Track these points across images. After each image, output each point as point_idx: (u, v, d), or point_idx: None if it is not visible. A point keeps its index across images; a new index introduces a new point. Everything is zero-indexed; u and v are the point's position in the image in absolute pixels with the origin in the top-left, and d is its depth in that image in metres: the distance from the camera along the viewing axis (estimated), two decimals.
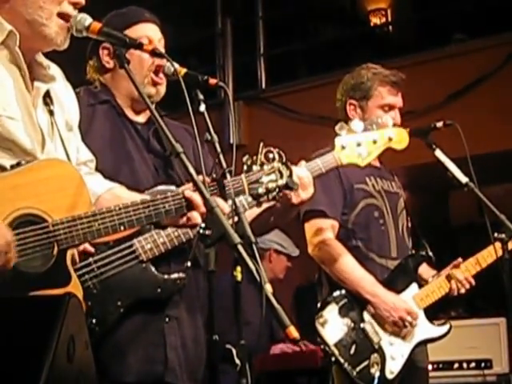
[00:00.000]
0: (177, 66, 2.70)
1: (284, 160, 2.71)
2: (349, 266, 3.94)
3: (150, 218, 2.50)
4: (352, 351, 3.84)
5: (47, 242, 2.33)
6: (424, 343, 4.12)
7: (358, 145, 3.16)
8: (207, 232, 2.29)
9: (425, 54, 7.23)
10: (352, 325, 3.90)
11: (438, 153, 4.05)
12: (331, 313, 3.88)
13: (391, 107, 4.15)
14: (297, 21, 9.18)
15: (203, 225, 2.41)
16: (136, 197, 2.64)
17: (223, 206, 2.54)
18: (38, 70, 2.55)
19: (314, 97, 7.51)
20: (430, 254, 4.17)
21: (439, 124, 4.08)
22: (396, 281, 4.06)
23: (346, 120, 3.81)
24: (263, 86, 8.13)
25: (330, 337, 3.78)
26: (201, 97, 2.73)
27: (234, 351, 2.55)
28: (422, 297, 4.10)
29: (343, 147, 3.14)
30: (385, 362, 3.89)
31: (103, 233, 2.43)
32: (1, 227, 2.21)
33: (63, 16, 2.46)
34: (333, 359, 3.82)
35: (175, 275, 2.96)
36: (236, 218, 2.39)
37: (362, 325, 3.93)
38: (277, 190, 2.70)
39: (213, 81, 2.83)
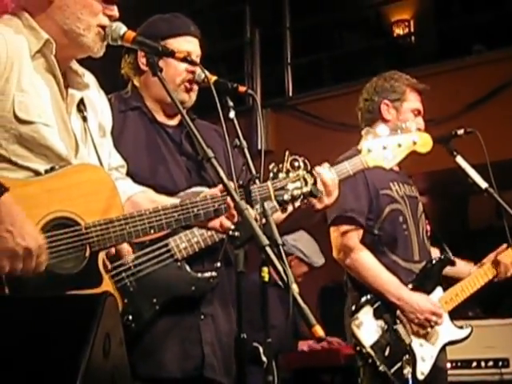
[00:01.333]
0: (208, 73, 2.70)
1: (309, 168, 2.69)
2: (375, 270, 3.91)
3: (179, 222, 2.51)
4: (387, 353, 3.82)
5: (80, 245, 2.34)
6: (448, 345, 4.09)
7: (384, 148, 3.14)
8: (236, 234, 2.29)
9: (445, 64, 7.21)
10: (386, 327, 3.88)
11: (459, 159, 4.04)
12: (366, 315, 3.86)
13: (419, 112, 4.16)
14: (323, 31, 9.18)
15: (233, 227, 2.40)
16: (166, 200, 2.65)
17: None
18: (72, 78, 2.56)
19: (339, 104, 7.48)
20: (452, 257, 4.12)
21: (460, 131, 4.07)
22: (422, 284, 4.01)
23: (375, 119, 4.08)
24: (290, 93, 8.12)
25: (365, 339, 3.76)
26: (230, 103, 2.72)
27: (261, 349, 2.54)
28: (447, 300, 4.07)
29: (369, 150, 3.11)
30: (416, 363, 3.87)
31: (134, 236, 2.43)
32: (33, 231, 2.21)
33: (101, 27, 2.46)
34: (369, 361, 3.79)
35: (208, 274, 2.96)
36: (264, 221, 2.38)
37: (395, 326, 3.89)
38: (301, 197, 2.68)
39: (242, 88, 2.83)
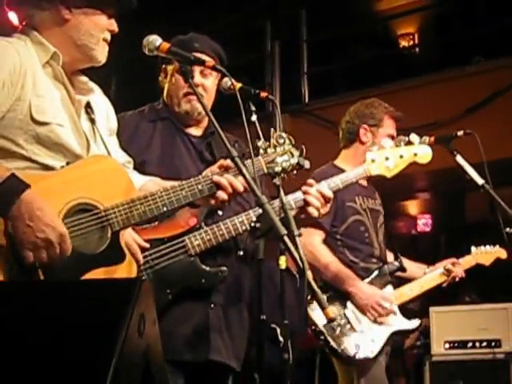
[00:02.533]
0: (233, 81, 2.69)
1: (293, 142, 2.71)
2: (333, 264, 4.04)
3: (187, 198, 2.57)
4: (337, 332, 3.93)
5: (101, 226, 2.38)
6: (398, 334, 4.21)
7: (387, 159, 3.21)
8: (257, 225, 2.28)
9: (447, 73, 7.17)
10: (337, 311, 3.98)
11: (459, 158, 4.02)
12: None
13: (393, 137, 4.22)
14: (336, 44, 9.17)
15: (254, 219, 2.40)
16: (173, 183, 2.67)
17: (243, 182, 2.57)
18: (78, 85, 2.60)
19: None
20: (404, 265, 4.29)
21: (460, 133, 4.05)
22: (375, 281, 4.16)
23: (354, 140, 4.28)
24: (306, 100, 8.11)
25: (319, 320, 3.82)
26: (253, 108, 2.71)
27: (278, 330, 2.53)
28: (397, 296, 4.21)
29: (373, 160, 3.19)
30: (366, 344, 3.96)
31: (149, 214, 2.48)
32: (53, 222, 2.23)
33: (106, 40, 2.55)
34: (322, 338, 3.91)
35: (217, 268, 2.95)
36: (282, 214, 2.38)
37: (345, 311, 4.01)
38: (290, 167, 2.73)
39: (264, 94, 2.82)
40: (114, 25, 2.57)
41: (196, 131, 3.26)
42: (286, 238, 2.17)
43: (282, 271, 2.57)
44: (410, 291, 4.29)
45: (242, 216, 2.95)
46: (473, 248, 4.60)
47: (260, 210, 2.33)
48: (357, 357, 3.91)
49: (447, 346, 5.85)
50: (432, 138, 4.18)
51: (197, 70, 3.08)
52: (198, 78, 3.11)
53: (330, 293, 4.03)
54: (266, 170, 2.71)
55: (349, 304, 4.03)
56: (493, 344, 5.75)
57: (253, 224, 2.55)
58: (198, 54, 3.14)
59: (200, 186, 2.61)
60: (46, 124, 2.38)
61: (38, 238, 2.19)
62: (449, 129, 4.43)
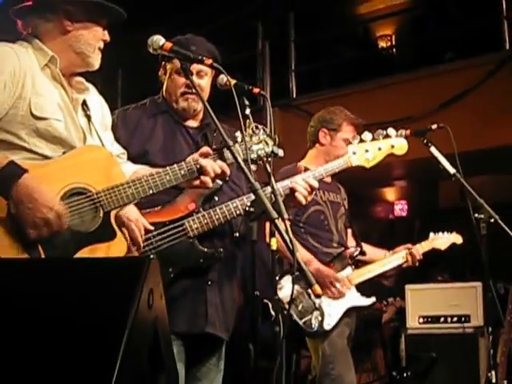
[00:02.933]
0: (229, 78, 2.70)
1: (268, 133, 2.75)
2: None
3: (170, 182, 2.63)
4: (300, 308, 4.02)
5: (94, 207, 2.45)
6: (355, 309, 4.24)
7: (366, 151, 3.26)
8: (252, 209, 2.31)
9: (422, 71, 7.17)
10: (300, 290, 4.03)
11: (433, 149, 4.04)
12: (286, 281, 4.02)
13: (349, 142, 4.24)
14: (321, 44, 9.16)
15: (248, 204, 2.42)
16: (159, 169, 2.71)
17: (221, 165, 2.72)
18: (75, 85, 2.66)
19: (334, 104, 7.44)
20: (363, 249, 4.40)
21: (434, 126, 4.08)
22: (336, 263, 4.22)
23: (315, 141, 4.34)
24: (294, 95, 8.10)
25: (284, 297, 3.84)
26: (247, 102, 2.72)
27: (270, 305, 2.55)
28: (354, 277, 4.25)
29: (354, 153, 3.26)
30: (323, 318, 4.03)
31: (136, 196, 2.54)
32: (49, 202, 2.32)
33: (100, 49, 2.64)
34: (285, 312, 3.92)
35: (214, 250, 2.99)
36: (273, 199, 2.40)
37: (307, 291, 4.03)
38: (265, 155, 2.76)
39: (256, 90, 2.82)
40: (106, 35, 2.66)
41: (193, 123, 3.28)
42: (277, 222, 2.19)
43: (272, 251, 2.59)
44: (368, 272, 4.34)
45: (236, 201, 2.98)
46: (431, 234, 4.63)
47: (253, 196, 2.37)
48: (315, 329, 4.00)
49: (421, 320, 5.89)
50: (408, 131, 4.19)
51: (194, 71, 3.10)
52: (194, 79, 3.12)
53: (297, 273, 4.09)
54: (242, 157, 2.74)
55: None
56: (462, 319, 5.79)
57: (247, 208, 2.57)
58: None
59: (182, 171, 2.66)
60: (45, 119, 2.46)
61: (37, 218, 2.29)
62: (423, 123, 4.45)
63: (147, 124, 3.20)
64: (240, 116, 2.58)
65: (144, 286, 1.60)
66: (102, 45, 2.65)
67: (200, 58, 2.62)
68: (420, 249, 4.48)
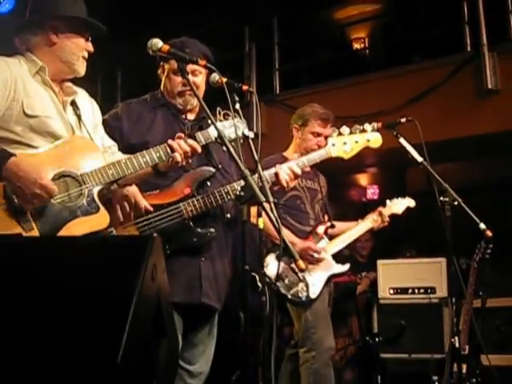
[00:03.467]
0: (221, 76, 2.70)
1: (238, 118, 2.74)
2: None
3: (147, 163, 2.66)
4: (286, 282, 4.03)
5: (79, 187, 2.52)
6: (334, 276, 4.30)
7: (344, 143, 3.28)
8: (242, 193, 2.32)
9: (392, 71, 7.18)
10: (285, 266, 4.05)
11: (402, 140, 4.05)
12: (271, 258, 4.04)
13: (318, 134, 4.25)
14: (302, 46, 9.14)
15: (239, 188, 2.43)
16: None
17: (190, 143, 2.75)
18: (65, 89, 2.74)
19: (314, 100, 7.41)
20: (333, 223, 4.43)
21: (403, 120, 4.08)
22: (313, 238, 4.27)
23: (292, 136, 4.43)
24: (278, 91, 8.08)
25: (271, 273, 3.90)
26: (237, 98, 2.73)
27: (257, 278, 2.57)
28: (329, 248, 4.30)
29: (333, 145, 3.28)
30: (308, 287, 4.05)
31: (116, 175, 2.59)
32: (35, 178, 2.38)
33: (84, 58, 2.72)
34: (273, 287, 3.96)
35: (206, 230, 3.02)
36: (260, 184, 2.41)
37: (291, 265, 4.03)
38: (238, 138, 2.75)
39: (245, 87, 2.83)
40: (90, 46, 2.74)
41: (190, 116, 3.29)
42: (264, 204, 2.21)
43: (260, 230, 2.60)
44: (342, 241, 4.39)
45: (227, 187, 3.00)
46: (387, 201, 4.68)
47: (242, 183, 2.38)
48: (303, 299, 4.02)
49: (391, 291, 5.92)
50: (380, 124, 4.20)
51: (189, 71, 3.09)
52: (190, 77, 3.12)
53: (278, 251, 4.06)
54: (214, 140, 2.78)
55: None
56: (429, 291, 5.82)
57: (238, 193, 2.58)
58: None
59: (158, 154, 2.68)
60: (36, 117, 2.55)
61: (26, 193, 2.37)
62: (393, 116, 4.47)
63: (148, 116, 3.21)
64: (231, 110, 2.60)
65: (148, 260, 1.61)
66: (85, 54, 2.73)
67: (195, 59, 2.63)
68: (385, 213, 4.52)
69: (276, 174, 3.05)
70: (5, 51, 2.67)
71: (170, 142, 2.71)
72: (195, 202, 2.99)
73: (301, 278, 4.04)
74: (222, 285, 3.17)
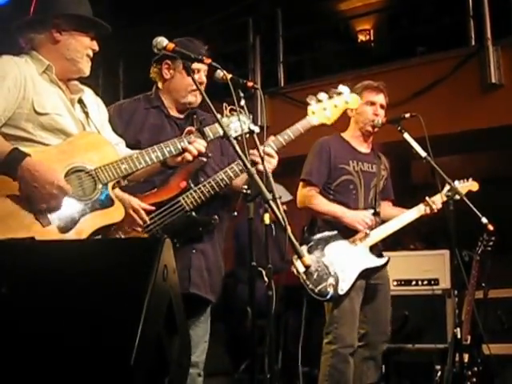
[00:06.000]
0: (225, 72, 2.72)
1: (244, 113, 2.76)
2: (325, 203, 4.11)
3: (158, 158, 2.70)
4: (315, 276, 3.94)
5: (93, 181, 2.56)
6: (371, 270, 4.17)
7: (324, 109, 3.24)
8: (248, 191, 2.35)
9: (397, 63, 7.17)
10: (315, 259, 3.99)
11: (406, 135, 4.08)
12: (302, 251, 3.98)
13: (373, 103, 4.23)
14: (306, 38, 9.13)
15: (246, 186, 2.46)
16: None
17: (201, 143, 2.79)
18: (72, 87, 2.76)
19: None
20: (378, 211, 4.25)
21: (407, 115, 4.11)
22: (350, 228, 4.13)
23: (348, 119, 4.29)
24: (282, 84, 8.08)
25: (300, 267, 3.80)
26: (242, 94, 2.75)
27: (264, 272, 2.60)
28: (368, 240, 4.15)
29: (313, 112, 3.24)
30: (337, 283, 3.96)
31: (129, 170, 2.63)
32: (51, 178, 2.43)
33: (89, 56, 2.72)
34: (301, 281, 3.94)
35: (210, 217, 3.09)
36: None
37: (322, 259, 4.01)
38: (243, 132, 2.78)
39: (250, 84, 2.84)
40: (94, 45, 2.74)
41: (180, 114, 3.35)
42: (271, 202, 2.24)
43: (266, 226, 2.63)
44: (382, 232, 4.22)
45: (221, 174, 3.08)
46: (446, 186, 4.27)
47: (235, 167, 2.39)
48: (329, 296, 3.95)
49: (395, 283, 5.93)
50: (385, 119, 4.26)
51: (195, 70, 3.15)
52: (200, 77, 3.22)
53: (312, 243, 4.06)
54: (221, 134, 2.79)
55: (326, 251, 4.04)
56: (432, 282, 5.83)
57: (244, 191, 2.61)
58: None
59: (168, 149, 2.72)
60: (47, 114, 2.57)
61: (43, 194, 2.40)
62: (398, 110, 4.47)
63: (140, 116, 3.27)
64: (236, 105, 2.63)
65: (159, 261, 1.64)
66: (90, 53, 2.73)
67: (200, 57, 2.65)
68: (436, 200, 4.20)
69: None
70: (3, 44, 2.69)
71: (183, 145, 2.75)
72: (193, 193, 3.04)
73: (331, 272, 3.97)
74: (216, 277, 3.23)
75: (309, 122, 3.24)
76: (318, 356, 4.11)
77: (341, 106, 3.31)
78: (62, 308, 1.62)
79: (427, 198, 4.24)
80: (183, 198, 3.03)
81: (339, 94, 3.33)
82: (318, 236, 4.09)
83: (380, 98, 4.26)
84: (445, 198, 4.10)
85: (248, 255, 2.45)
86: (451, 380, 4.75)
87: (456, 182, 4.24)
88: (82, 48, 2.69)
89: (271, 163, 3.07)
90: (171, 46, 2.59)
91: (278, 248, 5.14)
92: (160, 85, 3.34)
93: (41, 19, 2.67)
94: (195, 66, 3.12)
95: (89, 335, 1.56)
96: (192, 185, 3.06)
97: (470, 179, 4.38)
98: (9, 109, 2.52)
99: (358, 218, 4.07)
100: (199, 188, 3.04)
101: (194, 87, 3.17)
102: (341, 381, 3.99)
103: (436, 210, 4.22)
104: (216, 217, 3.07)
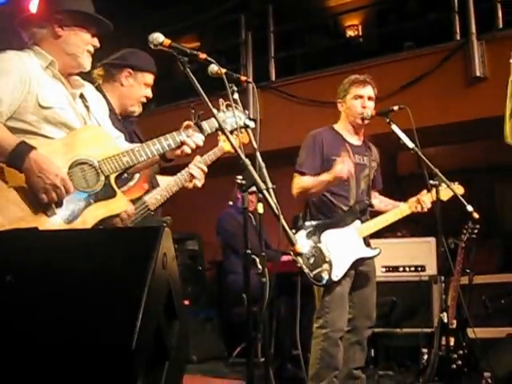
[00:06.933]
0: (220, 67, 2.71)
1: (239, 109, 2.78)
2: (311, 179, 4.11)
3: (158, 151, 2.70)
4: (311, 261, 3.97)
5: (96, 173, 2.57)
6: (363, 260, 4.20)
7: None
8: (243, 182, 2.35)
9: (385, 58, 7.16)
10: (313, 244, 4.02)
11: (394, 127, 4.08)
12: (300, 236, 4.03)
13: (360, 96, 4.25)
14: (296, 33, 9.12)
15: (240, 177, 2.46)
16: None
17: (199, 137, 2.80)
18: (73, 82, 2.76)
19: (307, 86, 7.51)
20: (372, 202, 4.31)
21: (395, 107, 4.11)
22: (345, 218, 4.16)
23: (338, 113, 4.34)
24: (273, 78, 8.07)
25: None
26: (235, 88, 2.74)
27: (258, 260, 2.61)
28: (362, 229, 4.19)
29: (224, 141, 3.40)
30: (332, 269, 3.99)
31: (130, 162, 2.64)
32: (55, 171, 2.45)
33: (89, 52, 2.73)
34: (298, 265, 3.96)
35: (165, 217, 3.22)
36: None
37: (318, 245, 4.03)
38: (239, 127, 2.80)
39: (243, 78, 2.87)
40: (95, 41, 2.75)
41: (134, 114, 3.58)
42: (265, 192, 2.24)
43: (259, 215, 2.64)
44: (374, 225, 4.23)
45: (178, 175, 3.24)
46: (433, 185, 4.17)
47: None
48: (324, 281, 3.97)
49: (384, 269, 5.98)
50: (374, 111, 4.26)
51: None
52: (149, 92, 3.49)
53: (308, 230, 4.08)
54: (218, 127, 2.79)
55: (322, 237, 4.06)
56: (419, 269, 5.89)
57: (239, 181, 2.61)
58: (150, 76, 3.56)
59: (167, 142, 2.73)
60: (50, 108, 2.57)
61: (46, 184, 2.41)
62: (386, 103, 4.49)
63: None
64: (230, 99, 2.63)
65: (159, 250, 1.64)
66: (91, 48, 2.74)
67: (195, 52, 2.64)
68: (426, 200, 4.18)
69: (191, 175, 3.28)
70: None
71: (182, 138, 2.76)
72: (155, 194, 3.19)
73: (327, 259, 4.00)
74: None
75: (219, 150, 3.46)
76: (309, 340, 4.14)
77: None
78: (64, 295, 1.62)
79: (419, 197, 4.24)
80: (149, 199, 3.18)
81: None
82: (315, 223, 4.11)
83: (367, 91, 4.27)
84: (434, 198, 4.07)
85: (243, 243, 2.45)
86: (437, 363, 4.79)
87: (443, 185, 4.16)
88: (83, 43, 2.70)
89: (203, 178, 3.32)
90: (167, 41, 2.58)
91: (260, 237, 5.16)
92: (104, 86, 3.47)
93: (43, 14, 2.68)
94: (149, 79, 3.41)
95: (91, 321, 1.56)
96: (151, 187, 3.22)
97: (456, 183, 4.34)
98: (14, 103, 2.53)
99: (337, 169, 4.03)
100: (162, 190, 3.21)
101: (144, 99, 3.45)
102: (331, 363, 4.02)
103: (426, 210, 4.24)
104: (169, 217, 3.17)
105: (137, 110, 3.49)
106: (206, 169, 3.33)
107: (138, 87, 3.47)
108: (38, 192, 2.43)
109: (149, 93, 3.49)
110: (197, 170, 3.29)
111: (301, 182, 4.14)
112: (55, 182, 2.43)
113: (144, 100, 3.50)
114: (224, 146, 3.42)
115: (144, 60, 3.51)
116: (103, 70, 3.49)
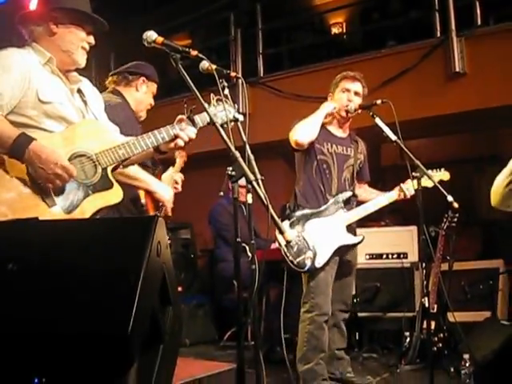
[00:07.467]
0: (211, 63, 2.71)
1: (229, 103, 2.79)
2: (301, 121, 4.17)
3: (153, 143, 2.72)
4: (295, 249, 4.00)
5: (93, 165, 2.59)
6: (346, 247, 4.24)
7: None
8: (233, 173, 2.35)
9: (368, 54, 7.16)
10: (296, 233, 4.05)
11: (377, 120, 4.09)
12: (285, 225, 4.04)
13: (348, 90, 4.27)
14: (284, 31, 9.10)
15: (231, 168, 2.46)
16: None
17: (192, 130, 2.79)
18: (71, 78, 2.77)
19: (294, 82, 7.50)
20: (355, 193, 4.35)
21: (378, 101, 4.13)
22: (329, 207, 4.19)
23: None
24: (261, 74, 8.05)
25: (281, 240, 3.81)
26: (225, 84, 2.74)
27: (247, 248, 2.61)
28: (346, 218, 4.22)
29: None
30: (315, 257, 4.02)
31: (126, 155, 2.65)
32: (56, 159, 2.46)
33: (84, 48, 2.74)
34: (283, 253, 4.00)
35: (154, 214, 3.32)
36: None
37: (302, 234, 4.06)
38: (229, 120, 2.77)
39: (233, 74, 2.85)
40: (90, 39, 2.76)
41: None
42: (254, 183, 2.25)
43: (249, 205, 2.63)
44: (357, 214, 4.26)
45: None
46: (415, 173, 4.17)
47: None
48: (307, 268, 4.00)
49: (367, 257, 6.02)
50: (357, 105, 4.27)
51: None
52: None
53: (294, 219, 4.10)
54: (210, 122, 2.77)
55: (306, 226, 4.09)
56: (401, 256, 5.93)
57: (229, 172, 2.60)
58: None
59: (162, 135, 2.74)
60: (50, 103, 2.58)
61: (48, 174, 2.43)
62: (370, 97, 4.48)
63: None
64: (221, 94, 2.62)
65: (154, 238, 1.65)
66: (86, 45, 2.74)
67: (187, 49, 2.63)
68: (410, 187, 4.22)
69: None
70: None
71: (175, 131, 2.75)
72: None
73: (310, 247, 4.03)
74: None
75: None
76: (296, 324, 4.17)
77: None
78: (63, 282, 1.62)
79: (402, 185, 4.31)
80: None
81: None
82: (300, 213, 4.14)
83: (355, 86, 4.30)
84: (416, 186, 4.03)
85: (233, 232, 2.45)
86: (419, 345, 4.84)
87: (429, 171, 4.20)
88: (77, 40, 2.70)
89: (177, 188, 3.55)
90: (160, 39, 2.59)
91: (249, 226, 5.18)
92: (122, 89, 3.72)
93: (40, 12, 2.68)
94: (155, 89, 3.73)
95: (88, 308, 1.56)
96: None
97: (443, 169, 4.40)
98: (15, 98, 2.53)
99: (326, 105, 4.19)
100: None
101: (149, 107, 3.74)
102: (317, 346, 4.06)
103: (409, 196, 4.29)
104: (158, 213, 3.19)
105: (144, 115, 3.76)
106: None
107: (148, 95, 3.76)
108: (40, 182, 2.45)
109: (152, 101, 3.79)
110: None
111: (296, 125, 4.17)
112: (56, 171, 2.45)
113: (149, 107, 3.77)
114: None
115: (154, 72, 3.78)
116: (118, 77, 3.71)
